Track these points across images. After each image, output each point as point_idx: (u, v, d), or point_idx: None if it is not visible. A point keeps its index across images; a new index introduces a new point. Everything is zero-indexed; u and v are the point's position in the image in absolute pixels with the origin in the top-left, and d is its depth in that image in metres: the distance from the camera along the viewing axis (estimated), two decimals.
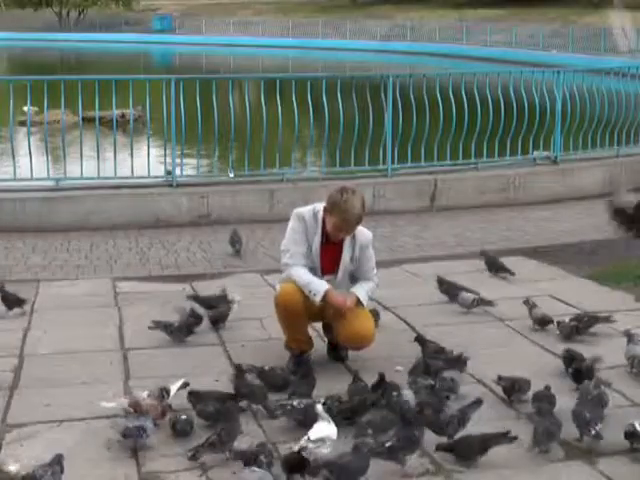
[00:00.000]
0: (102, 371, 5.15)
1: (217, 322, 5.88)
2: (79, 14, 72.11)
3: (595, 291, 6.85)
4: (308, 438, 3.95)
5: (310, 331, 5.33)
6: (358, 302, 5.08)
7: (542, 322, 5.83)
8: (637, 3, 42.22)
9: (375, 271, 5.22)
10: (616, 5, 44.09)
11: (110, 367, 5.23)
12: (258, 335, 5.75)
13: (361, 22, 54.29)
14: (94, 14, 70.37)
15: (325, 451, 3.91)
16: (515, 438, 4.02)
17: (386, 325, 5.88)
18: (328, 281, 5.10)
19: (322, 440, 3.95)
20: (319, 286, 4.96)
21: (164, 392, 4.50)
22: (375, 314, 5.83)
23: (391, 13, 56.13)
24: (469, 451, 3.97)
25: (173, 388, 4.54)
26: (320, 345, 5.34)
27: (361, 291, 5.11)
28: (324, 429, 4.00)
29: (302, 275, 5.00)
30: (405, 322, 6.03)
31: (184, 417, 4.29)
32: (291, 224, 5.11)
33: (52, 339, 5.69)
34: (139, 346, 5.58)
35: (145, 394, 4.43)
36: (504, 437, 4.01)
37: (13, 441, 4.24)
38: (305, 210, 5.10)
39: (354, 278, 5.19)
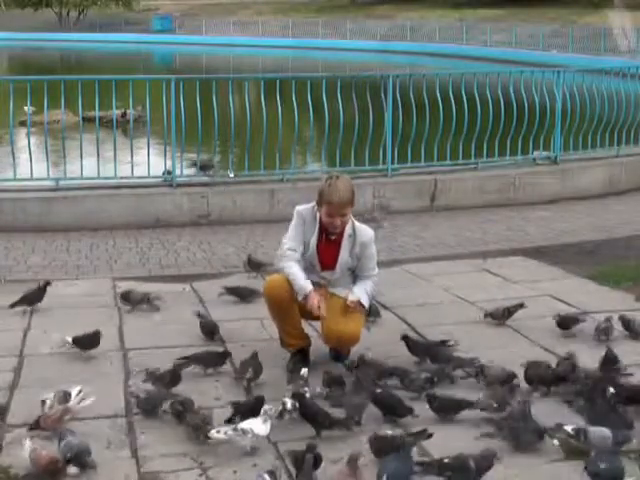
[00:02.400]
0: (102, 371, 5.16)
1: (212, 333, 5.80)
2: (79, 14, 72.07)
3: (595, 291, 6.85)
4: (235, 427, 4.05)
5: (310, 331, 5.34)
6: (359, 304, 5.09)
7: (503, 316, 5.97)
8: (637, 3, 42.24)
9: (376, 270, 5.25)
10: (616, 5, 44.09)
11: (110, 367, 5.23)
12: (258, 335, 5.75)
13: (361, 22, 54.30)
14: (94, 14, 70.35)
15: (244, 442, 4.01)
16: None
17: (386, 325, 5.89)
18: (326, 277, 5.14)
19: (245, 432, 4.02)
20: (303, 286, 4.98)
21: (67, 396, 4.46)
22: (375, 313, 5.85)
23: (391, 13, 56.14)
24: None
25: (73, 394, 4.47)
26: (320, 344, 5.33)
27: (362, 293, 5.12)
28: (254, 424, 4.06)
29: (289, 269, 5.02)
30: (405, 322, 6.03)
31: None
32: (292, 221, 5.16)
33: (52, 339, 5.69)
34: (139, 346, 5.58)
35: (48, 404, 4.39)
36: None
37: (13, 441, 4.24)
38: (305, 208, 5.15)
39: (355, 275, 5.21)
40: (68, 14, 72.47)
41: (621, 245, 8.48)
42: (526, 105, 10.85)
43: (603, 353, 5.02)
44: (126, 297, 6.39)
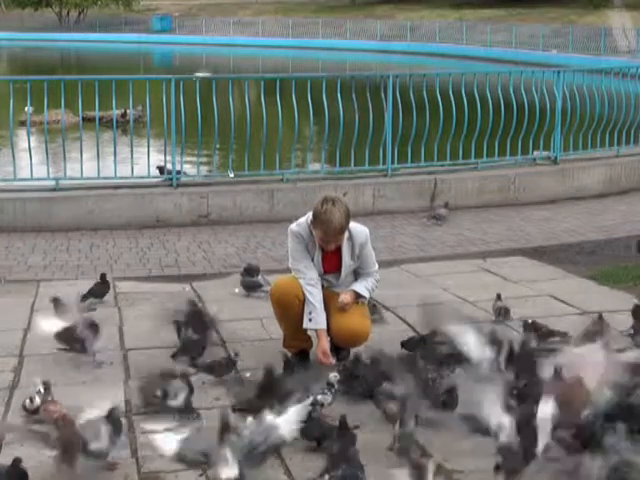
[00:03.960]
0: (102, 371, 5.16)
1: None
2: (79, 14, 72.03)
3: (595, 291, 6.85)
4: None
5: (310, 331, 5.33)
6: (358, 296, 5.15)
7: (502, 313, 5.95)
8: (637, 3, 42.25)
9: (376, 266, 5.27)
10: (616, 5, 44.10)
11: (110, 367, 5.23)
12: (258, 335, 5.75)
13: (361, 22, 54.29)
14: (94, 14, 70.32)
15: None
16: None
17: (386, 325, 5.88)
18: (330, 280, 5.16)
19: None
20: (318, 319, 5.04)
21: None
22: (377, 311, 5.87)
23: (391, 13, 56.15)
24: None
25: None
26: None
27: (360, 286, 5.18)
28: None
29: (311, 296, 5.05)
30: (405, 322, 6.03)
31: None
32: (290, 244, 5.16)
33: (52, 339, 5.68)
34: (139, 346, 5.58)
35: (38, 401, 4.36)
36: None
37: (13, 441, 4.23)
38: (299, 226, 5.13)
39: (357, 274, 5.24)
40: (68, 14, 72.41)
41: (621, 245, 8.47)
42: (526, 105, 10.85)
43: None
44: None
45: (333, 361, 5.05)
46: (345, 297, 5.10)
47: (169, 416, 4.23)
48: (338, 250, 5.12)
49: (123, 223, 9.21)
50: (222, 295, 6.78)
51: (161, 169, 10.04)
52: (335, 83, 10.46)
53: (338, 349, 5.28)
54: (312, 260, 5.12)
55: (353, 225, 5.14)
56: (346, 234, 5.08)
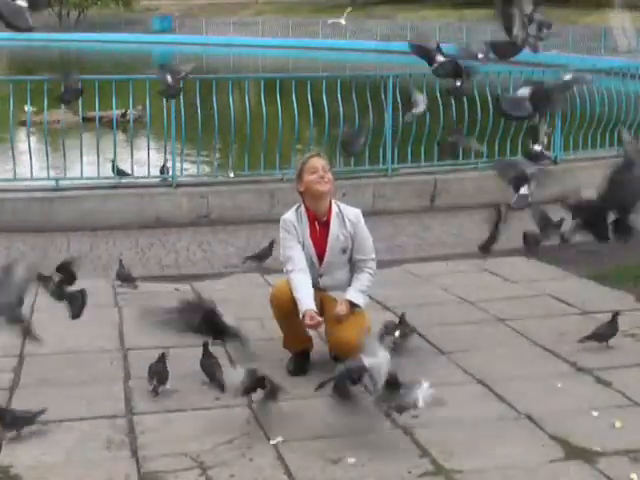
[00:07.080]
0: (102, 371, 5.16)
1: None
2: (79, 14, 72.06)
3: (595, 291, 6.85)
4: None
5: (311, 331, 5.33)
6: (353, 305, 5.07)
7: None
8: (637, 3, 42.26)
9: (374, 254, 5.23)
10: (616, 5, 44.10)
11: (110, 367, 5.23)
12: (258, 335, 5.74)
13: (361, 22, 54.28)
14: (94, 14, 70.34)
15: None
16: None
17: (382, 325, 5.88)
18: (325, 269, 5.15)
19: None
20: (303, 305, 4.95)
21: None
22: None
23: (391, 13, 56.13)
24: None
25: None
26: (321, 345, 5.33)
27: (355, 293, 5.11)
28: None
29: (296, 285, 5.02)
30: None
31: None
32: (281, 233, 5.18)
33: (52, 339, 5.69)
34: (139, 346, 5.58)
35: None
36: None
37: (13, 441, 4.24)
38: (289, 213, 5.19)
39: (353, 264, 5.18)
40: (68, 14, 72.43)
41: (621, 245, 8.45)
42: None
43: None
44: None
45: (320, 319, 4.95)
46: (341, 308, 5.03)
47: None
48: (328, 227, 5.11)
49: (123, 223, 9.21)
50: (222, 295, 6.77)
51: (119, 170, 9.84)
52: (335, 83, 10.47)
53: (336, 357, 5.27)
54: (303, 248, 5.10)
55: (344, 205, 5.22)
56: (335, 208, 5.14)
